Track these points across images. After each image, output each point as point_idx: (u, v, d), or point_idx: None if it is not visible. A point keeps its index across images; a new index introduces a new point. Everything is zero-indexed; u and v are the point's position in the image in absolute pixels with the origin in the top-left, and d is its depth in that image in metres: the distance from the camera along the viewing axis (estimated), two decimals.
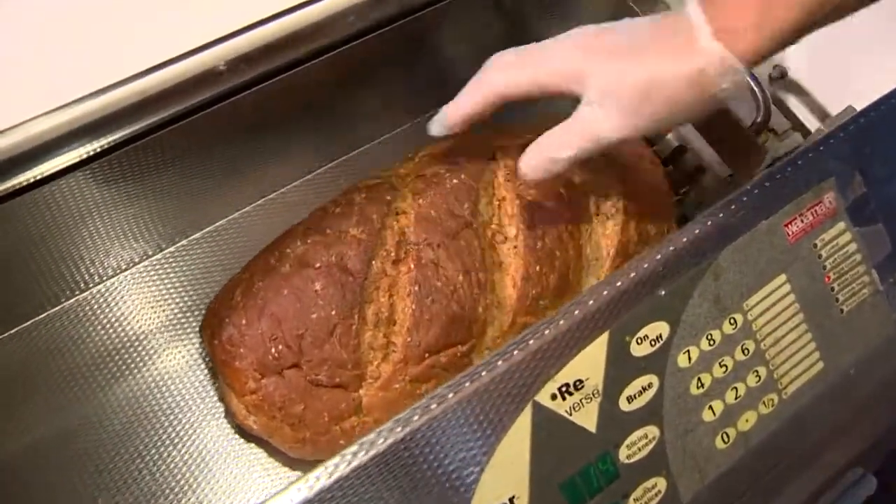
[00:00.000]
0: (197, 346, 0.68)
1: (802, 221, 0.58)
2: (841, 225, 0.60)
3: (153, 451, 0.64)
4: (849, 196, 0.60)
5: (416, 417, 0.47)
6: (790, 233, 0.58)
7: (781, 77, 0.76)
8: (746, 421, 0.56)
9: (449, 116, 0.55)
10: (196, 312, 0.69)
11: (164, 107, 0.58)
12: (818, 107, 0.75)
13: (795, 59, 0.76)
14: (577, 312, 0.51)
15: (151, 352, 0.68)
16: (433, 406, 0.47)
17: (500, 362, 0.49)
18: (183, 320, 0.69)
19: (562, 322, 0.50)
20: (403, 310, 0.59)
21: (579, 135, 0.50)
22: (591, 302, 0.51)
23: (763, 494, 0.60)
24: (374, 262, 0.59)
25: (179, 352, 0.68)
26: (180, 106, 0.59)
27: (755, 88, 0.72)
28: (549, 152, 0.52)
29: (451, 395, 0.47)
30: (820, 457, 0.67)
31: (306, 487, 0.44)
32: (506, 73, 0.53)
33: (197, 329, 0.68)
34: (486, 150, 0.66)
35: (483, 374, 0.48)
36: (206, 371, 0.67)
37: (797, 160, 0.59)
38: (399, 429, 0.46)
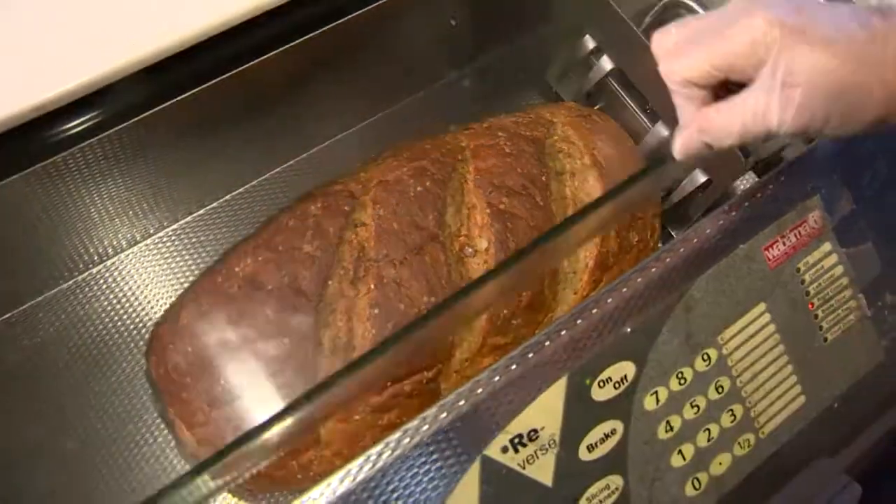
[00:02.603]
0: None
1: (784, 244, 0.52)
2: (827, 246, 0.54)
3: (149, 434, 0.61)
4: (836, 214, 0.54)
5: (348, 479, 0.42)
6: (771, 257, 0.52)
7: None
8: (720, 464, 0.50)
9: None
10: None
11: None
12: None
13: None
14: (531, 356, 0.45)
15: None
16: (367, 467, 0.42)
17: (443, 414, 0.44)
18: None
19: (514, 367, 0.45)
20: (363, 334, 0.53)
21: (749, 124, 0.41)
22: (547, 343, 0.45)
23: None
24: (330, 283, 0.54)
25: None
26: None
27: None
28: (709, 137, 0.42)
29: (387, 454, 0.42)
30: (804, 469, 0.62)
31: None
32: (678, 62, 0.42)
33: None
34: (456, 150, 0.60)
35: (425, 428, 0.43)
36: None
37: (780, 175, 0.53)
38: (339, 487, 0.41)
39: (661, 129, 0.64)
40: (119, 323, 0.63)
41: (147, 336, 0.60)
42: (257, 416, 0.52)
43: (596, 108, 0.68)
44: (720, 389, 0.49)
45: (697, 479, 0.49)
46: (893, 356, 0.56)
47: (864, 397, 0.55)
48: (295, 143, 0.71)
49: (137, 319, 0.64)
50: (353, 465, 0.41)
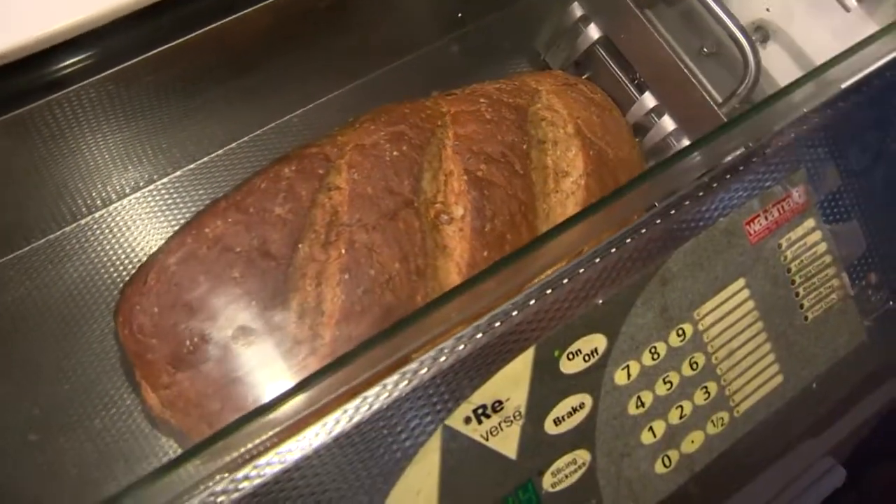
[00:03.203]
0: None
1: (767, 219, 0.51)
2: (811, 222, 0.52)
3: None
4: (821, 189, 0.52)
5: (307, 444, 0.41)
6: (752, 231, 0.50)
7: (763, 41, 0.68)
8: (692, 442, 0.49)
9: None
10: None
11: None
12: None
13: (780, 18, 0.68)
14: (497, 325, 0.44)
15: None
16: (327, 431, 0.41)
17: (404, 382, 0.42)
18: None
19: (480, 336, 0.44)
20: (332, 300, 0.52)
21: None
22: (515, 313, 0.44)
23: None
24: (300, 246, 0.52)
25: None
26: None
27: (748, 51, 0.63)
28: None
29: (347, 419, 0.41)
30: (788, 452, 0.61)
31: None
32: None
33: None
34: (435, 116, 0.58)
35: (385, 395, 0.42)
36: None
37: (764, 148, 0.51)
38: (290, 454, 0.40)
39: (649, 100, 0.63)
40: (94, 282, 0.62)
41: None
42: (221, 380, 0.51)
43: (583, 77, 0.67)
44: (694, 366, 0.48)
45: (668, 457, 0.48)
46: (876, 336, 0.54)
47: (846, 378, 0.53)
48: (285, 102, 0.69)
49: (116, 276, 0.62)
50: (309, 432, 0.40)
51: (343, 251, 0.52)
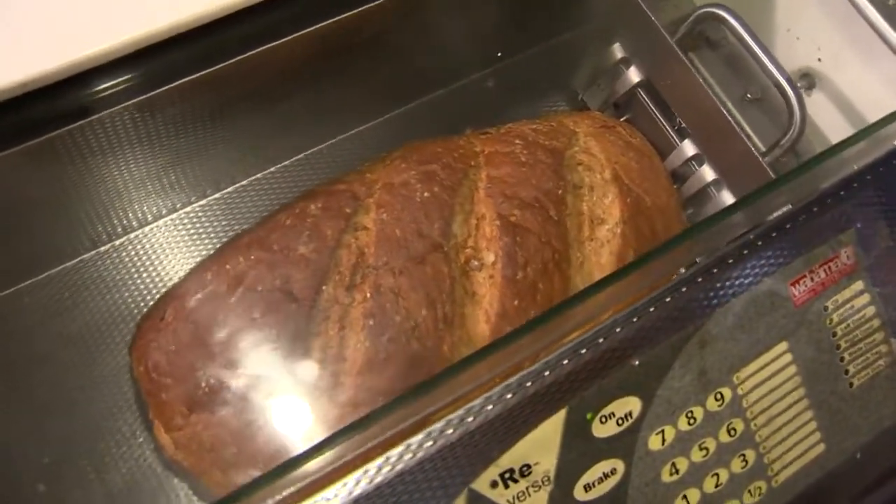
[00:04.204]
0: None
1: (813, 280, 0.48)
2: (859, 284, 0.50)
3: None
4: (871, 250, 0.50)
5: None
6: (797, 293, 0.48)
7: (809, 88, 0.66)
8: None
9: None
10: None
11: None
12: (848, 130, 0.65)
13: (829, 67, 0.66)
14: (529, 385, 0.42)
15: None
16: (347, 491, 0.39)
17: (429, 442, 0.40)
18: None
19: (510, 396, 0.42)
20: (356, 346, 0.50)
21: None
22: (547, 373, 0.42)
23: None
24: (324, 288, 0.51)
25: None
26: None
27: (793, 100, 0.61)
28: None
29: (364, 482, 0.39)
30: None
31: None
32: None
33: None
34: (469, 155, 0.57)
35: (409, 456, 0.40)
36: None
37: (812, 205, 0.49)
38: None
39: (689, 147, 0.61)
40: (112, 312, 0.61)
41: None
42: (237, 425, 0.49)
43: (622, 119, 0.65)
44: (732, 432, 0.46)
45: None
46: None
47: (889, 449, 0.51)
48: (315, 133, 0.68)
49: (134, 307, 0.61)
50: (329, 492, 0.38)
51: (368, 295, 0.50)
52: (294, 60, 0.57)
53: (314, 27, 0.55)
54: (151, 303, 0.59)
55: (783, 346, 0.47)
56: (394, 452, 0.39)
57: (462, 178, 0.54)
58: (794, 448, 0.48)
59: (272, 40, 0.54)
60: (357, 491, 0.38)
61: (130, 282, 0.61)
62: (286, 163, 0.67)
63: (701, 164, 0.60)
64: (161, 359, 0.50)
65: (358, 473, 0.39)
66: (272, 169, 0.66)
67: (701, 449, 0.45)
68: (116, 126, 0.53)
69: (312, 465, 0.39)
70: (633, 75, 0.62)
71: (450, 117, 0.69)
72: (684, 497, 0.45)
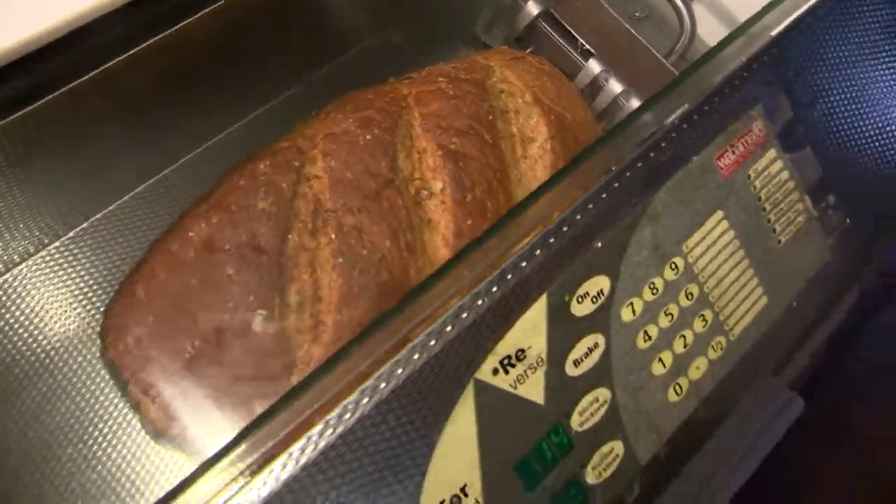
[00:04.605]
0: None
1: (734, 153, 0.54)
2: (772, 153, 0.55)
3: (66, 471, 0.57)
4: (777, 121, 0.56)
5: (347, 416, 0.41)
6: (723, 166, 0.53)
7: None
8: (697, 368, 0.51)
9: None
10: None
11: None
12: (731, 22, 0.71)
13: None
14: (510, 277, 0.45)
15: (55, 358, 0.60)
16: (365, 400, 0.41)
17: (432, 341, 0.43)
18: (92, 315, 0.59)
19: (495, 290, 0.45)
20: (329, 285, 0.52)
21: None
22: (524, 265, 0.46)
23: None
24: (289, 237, 0.52)
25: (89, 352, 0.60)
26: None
27: (682, 9, 0.66)
28: None
29: (383, 385, 0.42)
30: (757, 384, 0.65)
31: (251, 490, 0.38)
32: None
33: None
34: (398, 98, 0.59)
35: (416, 357, 0.43)
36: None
37: (722, 89, 0.54)
38: (330, 430, 0.40)
39: (595, 65, 0.65)
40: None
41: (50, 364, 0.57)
42: (229, 379, 0.50)
43: (527, 51, 0.69)
44: (690, 296, 0.51)
45: (679, 385, 0.50)
46: (838, 255, 0.58)
47: (819, 296, 0.57)
48: (218, 122, 0.69)
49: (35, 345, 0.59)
50: (349, 401, 0.41)
51: (333, 236, 0.52)
52: (191, 47, 0.58)
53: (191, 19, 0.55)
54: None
55: (719, 214, 0.52)
56: (401, 356, 0.42)
57: (397, 119, 0.57)
58: (743, 304, 0.53)
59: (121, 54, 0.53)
60: (376, 396, 0.41)
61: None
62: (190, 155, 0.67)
63: (608, 80, 0.65)
64: (141, 332, 0.50)
65: (371, 381, 0.41)
66: (185, 159, 0.66)
67: (666, 315, 0.49)
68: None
69: (326, 383, 0.41)
70: (532, 8, 0.66)
71: (362, 78, 0.71)
72: (660, 360, 0.49)
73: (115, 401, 0.57)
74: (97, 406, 0.57)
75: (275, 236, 0.51)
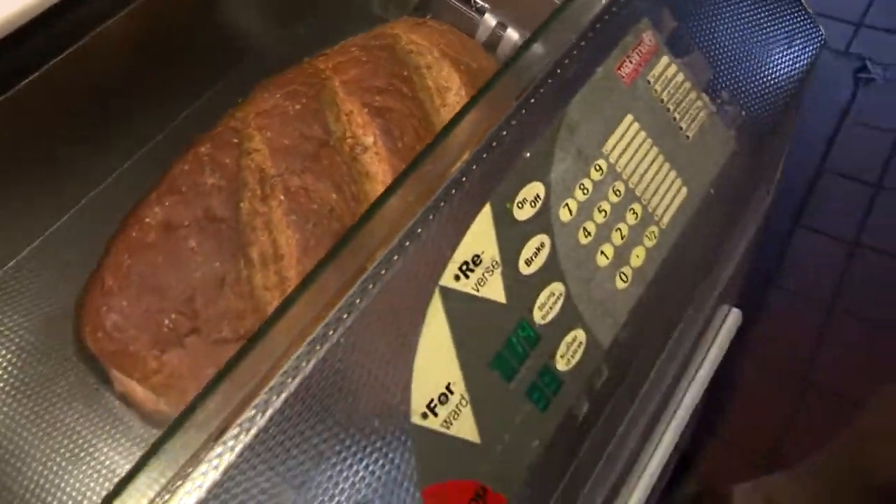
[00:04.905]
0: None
1: (632, 62, 0.59)
2: (665, 59, 0.61)
3: None
4: (664, 31, 0.61)
5: (330, 332, 0.44)
6: (624, 75, 0.58)
7: None
8: (637, 257, 0.56)
9: None
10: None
11: None
12: None
13: None
14: (454, 192, 0.49)
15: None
16: (345, 316, 0.44)
17: (395, 257, 0.46)
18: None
19: (442, 205, 0.49)
20: (287, 241, 0.55)
21: None
22: (464, 179, 0.50)
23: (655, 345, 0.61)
24: (241, 205, 0.55)
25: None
26: None
27: None
28: None
29: (358, 301, 0.45)
30: (694, 295, 0.70)
31: (243, 428, 0.41)
32: None
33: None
34: (318, 73, 0.62)
35: (384, 272, 0.46)
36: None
37: (610, 7, 0.59)
38: (318, 347, 0.43)
39: (490, 19, 0.70)
40: None
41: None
42: (209, 345, 0.53)
43: (427, 17, 0.73)
44: (618, 193, 0.55)
45: (624, 274, 0.54)
46: (743, 143, 0.63)
47: (732, 182, 0.62)
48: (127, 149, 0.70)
49: None
50: (330, 318, 0.43)
51: (282, 198, 0.55)
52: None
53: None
54: None
55: (629, 118, 0.57)
56: (368, 275, 0.45)
57: (321, 90, 0.60)
58: (666, 195, 0.57)
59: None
60: (355, 311, 0.44)
61: None
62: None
63: (505, 29, 0.70)
64: (118, 317, 0.52)
65: (345, 301, 0.44)
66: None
67: (600, 211, 0.54)
68: None
69: (303, 309, 0.44)
70: None
71: (277, 71, 0.74)
72: (602, 252, 0.53)
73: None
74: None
75: (228, 207, 0.54)
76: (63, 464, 0.56)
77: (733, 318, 0.91)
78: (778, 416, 1.37)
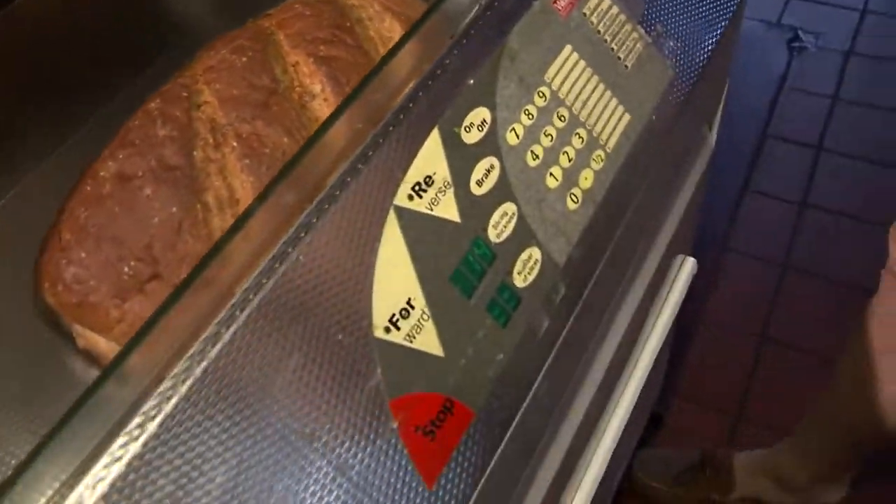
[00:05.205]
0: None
1: None
2: None
3: None
4: None
5: (289, 250, 0.44)
6: (560, 8, 0.59)
7: None
8: (586, 179, 0.57)
9: None
10: None
11: None
12: None
13: None
14: (402, 117, 0.50)
15: None
16: (303, 235, 0.45)
17: (348, 178, 0.47)
18: None
19: (392, 128, 0.49)
20: (242, 185, 0.55)
21: None
22: (411, 105, 0.51)
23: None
24: (195, 153, 0.55)
25: None
26: None
27: None
28: None
29: (315, 220, 0.46)
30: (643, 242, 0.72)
31: (207, 343, 0.41)
32: None
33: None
34: (262, 29, 0.62)
35: (338, 192, 0.47)
36: None
37: None
38: (278, 264, 0.44)
39: None
40: None
41: None
42: (170, 291, 0.53)
43: None
44: (563, 118, 0.56)
45: (574, 195, 0.56)
46: (680, 73, 0.65)
47: (673, 110, 0.64)
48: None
49: None
50: (288, 236, 0.44)
51: (235, 145, 0.56)
52: None
53: None
54: None
55: (568, 48, 0.58)
56: (323, 195, 0.46)
57: (266, 44, 0.61)
58: (610, 121, 0.59)
59: None
60: (312, 229, 0.44)
61: None
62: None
63: None
64: (77, 269, 0.52)
65: (301, 219, 0.45)
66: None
67: (546, 136, 0.55)
68: None
69: (252, 230, 0.45)
70: None
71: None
72: (551, 174, 0.55)
73: None
74: None
75: (181, 155, 0.55)
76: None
77: (689, 266, 0.93)
78: (740, 372, 1.40)
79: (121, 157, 0.55)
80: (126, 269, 0.52)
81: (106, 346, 0.53)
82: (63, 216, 0.54)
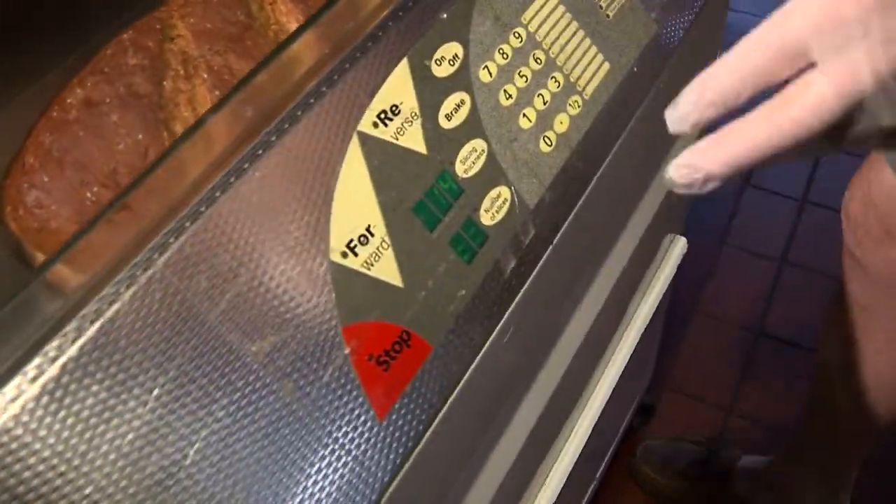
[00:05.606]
0: None
1: None
2: None
3: None
4: None
5: (245, 166, 0.43)
6: None
7: None
8: (561, 123, 0.56)
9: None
10: None
11: None
12: None
13: None
14: (370, 45, 0.49)
15: None
16: (260, 152, 0.44)
17: (311, 100, 0.46)
18: None
19: (358, 55, 0.48)
20: None
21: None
22: (380, 34, 0.50)
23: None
24: (165, 83, 0.54)
25: None
26: None
27: None
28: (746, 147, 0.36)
29: (274, 139, 0.45)
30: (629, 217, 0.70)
31: (152, 254, 0.40)
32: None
33: None
34: None
35: (300, 112, 0.46)
36: None
37: None
38: (233, 179, 0.43)
39: None
40: None
41: None
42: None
43: None
44: (539, 61, 0.55)
45: (548, 137, 0.55)
46: (664, 27, 0.64)
47: (651, 63, 0.63)
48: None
49: None
50: (245, 153, 0.43)
51: (205, 76, 0.55)
52: None
53: None
54: None
55: None
56: (286, 114, 0.45)
57: None
58: (589, 67, 0.58)
59: None
60: (271, 148, 0.43)
61: None
62: None
63: None
64: (40, 193, 0.51)
65: (261, 138, 0.44)
66: None
67: (521, 76, 0.54)
68: None
69: (208, 144, 0.44)
70: None
71: None
72: (524, 115, 0.54)
73: None
74: None
75: (151, 83, 0.54)
76: None
77: (679, 245, 0.92)
78: (734, 367, 1.38)
79: (89, 84, 0.54)
80: (89, 194, 0.51)
81: (66, 272, 0.52)
82: (28, 141, 0.54)
